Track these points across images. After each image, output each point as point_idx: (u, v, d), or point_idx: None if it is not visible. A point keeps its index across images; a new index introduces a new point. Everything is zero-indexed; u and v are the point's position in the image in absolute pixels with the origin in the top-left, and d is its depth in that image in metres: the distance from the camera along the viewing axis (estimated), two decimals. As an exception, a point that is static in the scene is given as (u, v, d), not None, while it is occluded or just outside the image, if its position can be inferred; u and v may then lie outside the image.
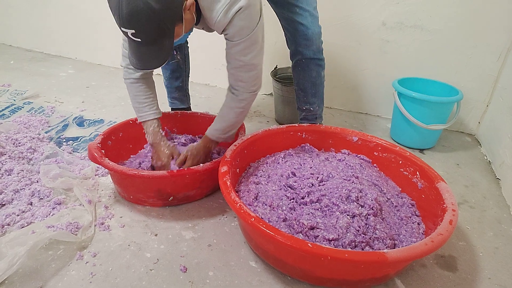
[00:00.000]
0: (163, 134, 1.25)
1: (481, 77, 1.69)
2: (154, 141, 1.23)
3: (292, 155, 1.25)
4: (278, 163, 1.21)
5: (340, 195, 1.00)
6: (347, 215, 0.94)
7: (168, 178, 1.09)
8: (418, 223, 1.03)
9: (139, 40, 0.87)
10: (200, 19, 1.04)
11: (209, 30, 1.11)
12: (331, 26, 1.80)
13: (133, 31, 0.85)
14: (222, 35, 1.05)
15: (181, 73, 1.54)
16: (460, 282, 0.95)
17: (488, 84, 1.69)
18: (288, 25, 1.30)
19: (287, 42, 1.37)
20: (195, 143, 1.26)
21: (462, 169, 1.50)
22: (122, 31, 0.87)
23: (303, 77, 1.39)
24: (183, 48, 1.51)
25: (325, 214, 0.97)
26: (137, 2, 0.81)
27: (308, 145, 1.33)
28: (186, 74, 1.57)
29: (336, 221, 0.92)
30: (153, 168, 1.24)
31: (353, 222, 0.93)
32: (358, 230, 0.91)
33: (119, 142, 1.32)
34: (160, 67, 1.51)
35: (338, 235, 0.89)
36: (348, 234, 0.90)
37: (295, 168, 1.15)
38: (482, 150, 1.66)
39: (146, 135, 1.24)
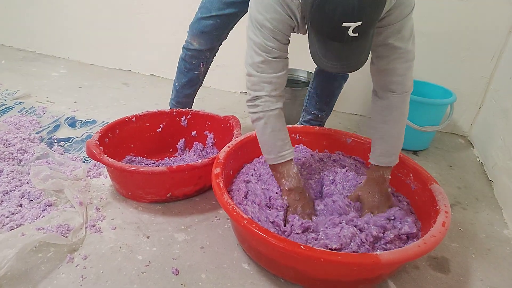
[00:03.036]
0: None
1: (474, 79, 1.70)
2: (298, 185, 1.00)
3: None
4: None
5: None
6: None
7: (167, 174, 1.10)
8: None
9: (356, 35, 0.72)
10: None
11: None
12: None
13: (359, 23, 0.70)
14: None
15: (197, 83, 1.52)
16: (452, 283, 0.95)
17: (481, 86, 1.71)
18: None
19: None
20: (365, 184, 1.03)
21: (455, 171, 1.51)
22: (337, 29, 0.71)
23: (325, 84, 1.39)
24: (210, 63, 1.49)
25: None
26: None
27: (302, 145, 1.32)
28: (200, 84, 1.55)
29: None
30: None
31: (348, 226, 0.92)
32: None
33: (115, 140, 1.32)
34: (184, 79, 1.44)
35: (316, 226, 0.89)
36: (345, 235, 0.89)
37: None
38: (475, 152, 1.67)
39: (284, 177, 1.00)
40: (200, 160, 1.15)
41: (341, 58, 0.77)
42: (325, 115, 1.48)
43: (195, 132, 1.48)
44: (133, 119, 1.38)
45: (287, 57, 0.96)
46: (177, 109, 1.47)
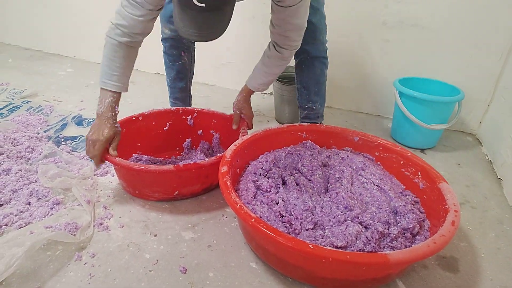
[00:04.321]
0: (117, 113, 1.13)
1: (482, 76, 1.68)
2: (103, 114, 1.10)
3: (292, 153, 1.24)
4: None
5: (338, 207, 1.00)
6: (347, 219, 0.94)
7: (174, 173, 1.10)
8: (423, 220, 1.02)
9: (203, 5, 0.80)
10: None
11: None
12: (331, 25, 1.79)
13: None
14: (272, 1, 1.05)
15: (186, 74, 1.53)
16: (461, 283, 0.94)
17: (490, 84, 1.68)
18: None
19: None
20: (238, 99, 1.35)
21: (463, 169, 1.49)
22: None
23: (307, 74, 1.39)
24: (191, 50, 1.50)
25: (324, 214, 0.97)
26: None
27: (310, 142, 1.31)
28: (190, 75, 1.56)
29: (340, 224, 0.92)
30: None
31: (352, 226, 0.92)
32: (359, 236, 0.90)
33: (122, 138, 1.31)
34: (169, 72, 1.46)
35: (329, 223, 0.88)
36: (356, 239, 0.89)
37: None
38: (483, 150, 1.66)
39: (99, 102, 1.11)
40: (206, 159, 1.15)
41: (193, 25, 0.84)
42: (320, 105, 1.47)
43: (201, 130, 1.48)
44: (140, 118, 1.38)
45: (153, 10, 1.04)
46: (183, 107, 1.47)
